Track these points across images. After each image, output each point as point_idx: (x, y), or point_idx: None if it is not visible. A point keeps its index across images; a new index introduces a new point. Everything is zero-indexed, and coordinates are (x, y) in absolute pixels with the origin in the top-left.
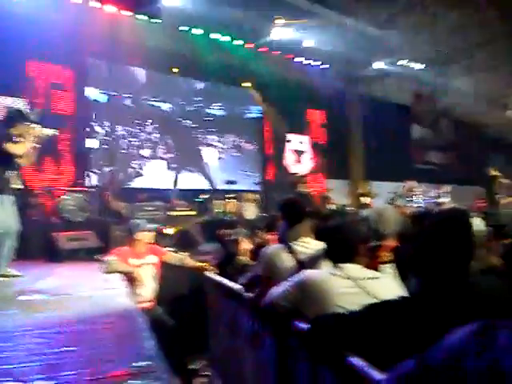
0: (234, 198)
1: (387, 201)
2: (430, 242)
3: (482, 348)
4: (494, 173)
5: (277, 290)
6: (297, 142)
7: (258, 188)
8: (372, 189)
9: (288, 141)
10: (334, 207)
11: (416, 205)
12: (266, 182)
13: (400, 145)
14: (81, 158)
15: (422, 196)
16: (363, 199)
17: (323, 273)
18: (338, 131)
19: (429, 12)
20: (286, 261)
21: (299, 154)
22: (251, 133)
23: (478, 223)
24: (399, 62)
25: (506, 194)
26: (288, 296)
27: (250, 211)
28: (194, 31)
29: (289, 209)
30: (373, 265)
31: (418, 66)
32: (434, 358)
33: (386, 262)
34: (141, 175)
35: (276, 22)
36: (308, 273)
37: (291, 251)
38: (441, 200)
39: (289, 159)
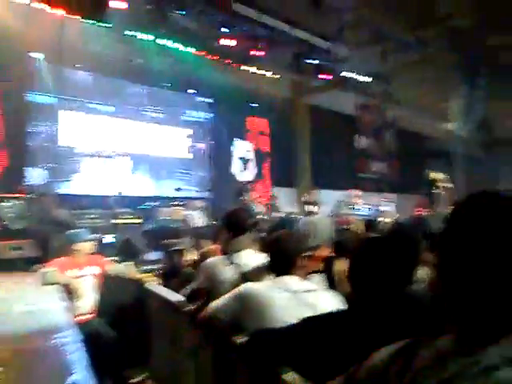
0: (180, 205)
1: (332, 209)
2: (369, 259)
3: (402, 368)
4: (433, 176)
5: (216, 304)
6: (243, 149)
7: (205, 195)
8: (318, 197)
9: (235, 148)
10: (281, 215)
11: (360, 213)
12: (213, 190)
13: (346, 154)
14: (18, 158)
15: (366, 205)
16: (309, 207)
17: (263, 286)
18: (284, 139)
19: (375, 27)
20: (228, 273)
21: (246, 162)
22: (199, 140)
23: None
24: (348, 74)
25: (446, 201)
26: (227, 310)
27: (198, 219)
28: (142, 36)
29: (231, 220)
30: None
31: (364, 78)
32: (358, 377)
33: (317, 272)
34: (82, 180)
35: (227, 30)
36: (248, 286)
37: (233, 263)
38: (383, 209)
39: (235, 167)
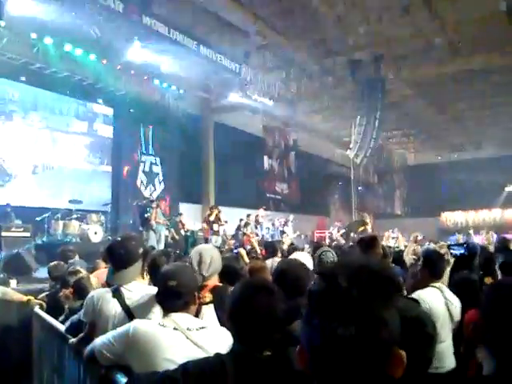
0: (77, 218)
1: (236, 228)
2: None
3: None
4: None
5: (101, 340)
6: (149, 163)
7: (105, 209)
8: (222, 215)
9: (141, 162)
10: (185, 233)
11: (262, 232)
12: (115, 204)
13: (251, 173)
14: None
15: (269, 224)
16: (215, 226)
17: (151, 324)
18: (192, 156)
19: (281, 53)
20: (113, 307)
21: (152, 177)
22: (103, 151)
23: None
24: (254, 97)
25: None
26: (111, 348)
27: (95, 234)
28: (46, 41)
29: (116, 251)
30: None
31: (270, 102)
32: None
33: (207, 303)
34: None
35: (134, 43)
36: (135, 324)
37: (119, 297)
38: (285, 228)
39: (140, 181)
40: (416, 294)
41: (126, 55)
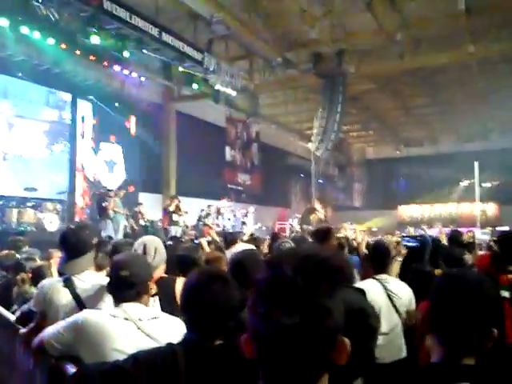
0: (32, 206)
1: (197, 218)
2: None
3: None
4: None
5: (50, 330)
6: (109, 151)
7: (62, 198)
8: (183, 206)
9: (99, 150)
10: (145, 223)
11: (224, 223)
12: (72, 192)
13: (213, 164)
14: None
15: (231, 215)
16: (174, 216)
17: (102, 314)
18: (153, 145)
19: (244, 43)
20: (64, 297)
21: (112, 165)
22: (60, 137)
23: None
24: (216, 86)
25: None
26: (61, 338)
27: (51, 223)
28: (1, 23)
29: (69, 240)
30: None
31: (233, 93)
32: None
33: (153, 295)
34: None
35: (94, 28)
36: (85, 314)
37: (70, 286)
38: (245, 219)
39: (100, 169)
40: (355, 285)
41: (86, 40)
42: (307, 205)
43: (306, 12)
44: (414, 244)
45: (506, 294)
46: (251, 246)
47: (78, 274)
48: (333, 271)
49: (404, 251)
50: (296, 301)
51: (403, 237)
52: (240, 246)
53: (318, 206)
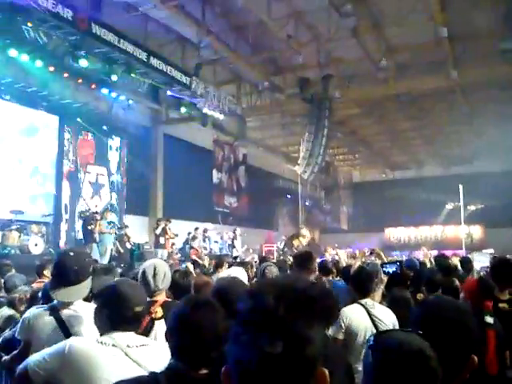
0: (17, 229)
1: (184, 241)
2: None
3: None
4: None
5: (35, 357)
6: (96, 174)
7: (47, 220)
8: (171, 228)
9: (87, 172)
10: (131, 246)
11: (211, 246)
12: (58, 215)
13: (201, 186)
14: None
15: (218, 238)
16: (161, 239)
17: (88, 342)
18: (140, 168)
19: (231, 68)
20: (49, 324)
21: (98, 188)
22: (46, 159)
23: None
24: (204, 110)
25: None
26: (45, 365)
27: (36, 245)
28: None
29: (68, 266)
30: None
31: (221, 116)
32: None
33: (159, 318)
34: None
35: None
36: (71, 342)
37: (55, 314)
38: (234, 242)
39: (86, 192)
40: (342, 310)
41: (74, 63)
42: (295, 229)
43: (293, 38)
44: (392, 269)
45: (490, 320)
46: (239, 269)
47: (72, 302)
48: (311, 301)
49: (385, 278)
50: (278, 329)
51: (382, 263)
52: (227, 271)
53: (304, 230)
